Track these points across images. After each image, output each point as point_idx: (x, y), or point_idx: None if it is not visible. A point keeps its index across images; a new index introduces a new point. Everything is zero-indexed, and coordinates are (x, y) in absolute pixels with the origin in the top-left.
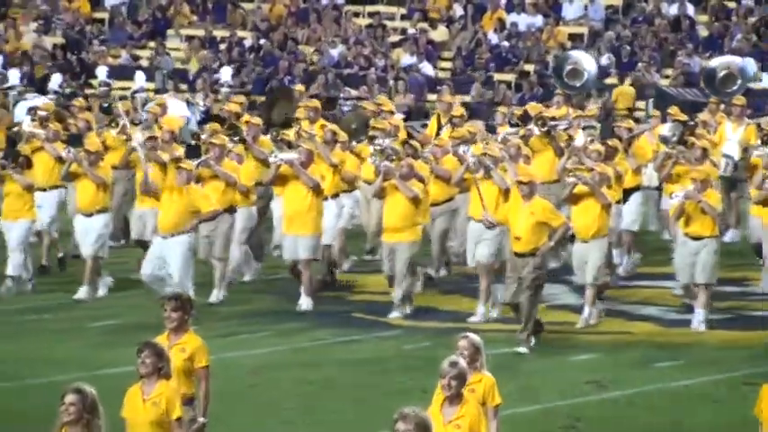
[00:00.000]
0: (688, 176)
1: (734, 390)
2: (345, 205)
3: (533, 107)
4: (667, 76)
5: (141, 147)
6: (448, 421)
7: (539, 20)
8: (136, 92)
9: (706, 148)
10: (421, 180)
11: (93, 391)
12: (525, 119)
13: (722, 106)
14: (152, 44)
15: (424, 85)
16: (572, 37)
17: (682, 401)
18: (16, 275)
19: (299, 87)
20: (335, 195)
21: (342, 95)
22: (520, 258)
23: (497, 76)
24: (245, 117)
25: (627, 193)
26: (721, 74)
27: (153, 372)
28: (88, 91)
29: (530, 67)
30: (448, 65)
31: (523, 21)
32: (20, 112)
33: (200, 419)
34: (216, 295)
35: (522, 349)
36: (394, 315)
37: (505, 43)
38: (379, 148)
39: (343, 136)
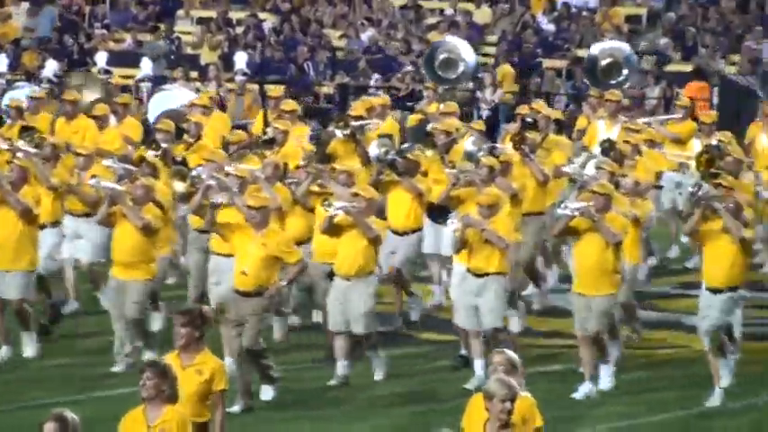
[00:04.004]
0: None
1: None
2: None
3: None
4: (733, 63)
5: None
6: None
7: (592, 0)
8: (141, 80)
9: (492, 166)
10: (159, 206)
11: (75, 418)
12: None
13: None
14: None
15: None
16: (629, 19)
17: None
18: None
19: None
20: (56, 223)
21: (372, 84)
22: (243, 297)
23: (547, 63)
24: None
25: None
26: (604, 63)
27: (156, 395)
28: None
29: (582, 53)
30: (491, 50)
31: (576, 1)
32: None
33: None
34: None
35: (234, 408)
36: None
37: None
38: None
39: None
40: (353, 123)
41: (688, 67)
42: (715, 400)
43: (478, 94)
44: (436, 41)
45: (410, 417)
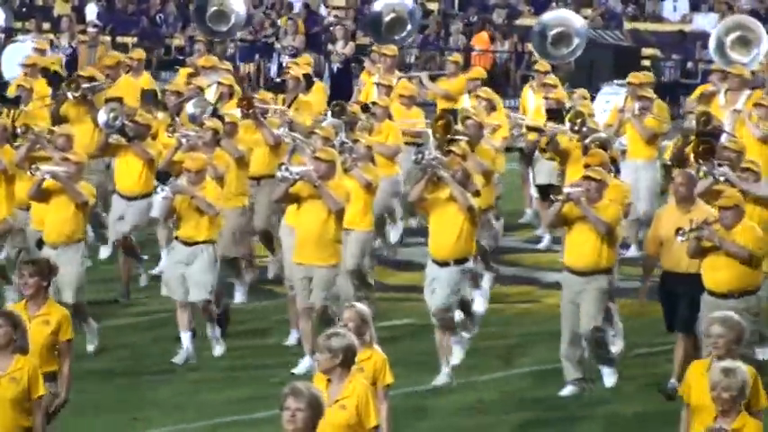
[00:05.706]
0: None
1: None
2: None
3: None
4: (585, 17)
5: None
6: (333, 401)
7: None
8: None
9: (216, 129)
10: None
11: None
12: None
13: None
14: None
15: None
16: None
17: None
18: None
19: None
20: None
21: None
22: None
23: None
24: None
25: None
26: (388, 18)
27: (7, 344)
28: None
29: (433, 6)
30: (342, 2)
31: None
32: None
33: (62, 396)
34: None
35: None
36: None
37: None
38: None
39: None
40: (85, 85)
41: None
42: (441, 378)
43: (330, 47)
44: None
45: (116, 391)
